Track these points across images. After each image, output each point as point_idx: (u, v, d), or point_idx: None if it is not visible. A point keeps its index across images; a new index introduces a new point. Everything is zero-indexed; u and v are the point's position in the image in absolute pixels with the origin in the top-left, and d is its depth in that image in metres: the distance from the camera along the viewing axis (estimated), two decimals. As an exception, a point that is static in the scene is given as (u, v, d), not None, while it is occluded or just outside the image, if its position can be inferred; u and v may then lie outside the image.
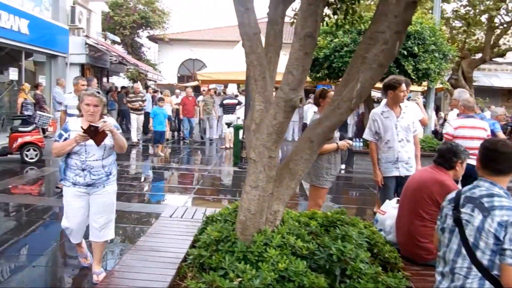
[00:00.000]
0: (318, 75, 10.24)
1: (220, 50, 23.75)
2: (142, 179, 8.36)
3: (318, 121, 3.02)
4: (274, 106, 2.57)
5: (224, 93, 15.64)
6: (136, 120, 12.57)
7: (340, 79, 10.15)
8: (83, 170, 3.45)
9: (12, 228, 5.14)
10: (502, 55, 17.83)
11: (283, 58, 3.08)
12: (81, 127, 3.31)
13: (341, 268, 2.81)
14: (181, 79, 26.90)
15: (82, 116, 3.52)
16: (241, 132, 9.89)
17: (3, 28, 11.18)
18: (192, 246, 3.56)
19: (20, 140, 8.97)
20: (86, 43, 14.93)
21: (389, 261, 3.20)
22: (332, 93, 4.59)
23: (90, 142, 3.40)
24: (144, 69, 19.26)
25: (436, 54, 9.36)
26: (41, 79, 13.77)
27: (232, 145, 13.09)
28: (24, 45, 12.48)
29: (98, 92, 3.50)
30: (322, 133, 2.95)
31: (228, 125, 12.66)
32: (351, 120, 15.44)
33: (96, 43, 15.24)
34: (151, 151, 11.53)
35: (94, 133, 3.31)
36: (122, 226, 5.34)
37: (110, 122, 3.48)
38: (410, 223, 3.32)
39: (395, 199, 3.85)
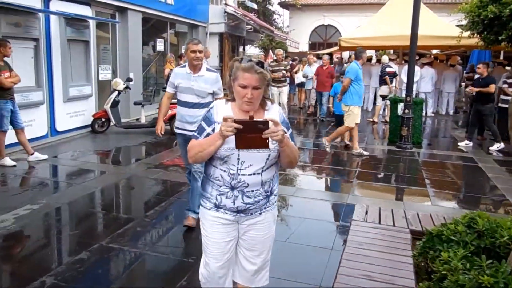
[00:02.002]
0: (500, 37, 8.29)
1: (354, 14, 22.02)
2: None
3: None
4: None
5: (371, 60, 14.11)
6: (277, 95, 10.54)
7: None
8: (232, 188, 2.16)
9: (168, 204, 4.89)
10: None
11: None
12: (250, 116, 1.95)
13: None
14: (312, 46, 25.82)
15: (233, 100, 2.20)
16: (400, 106, 8.57)
17: (151, -1, 11.31)
18: (416, 274, 2.65)
19: (169, 112, 8.92)
20: (225, 12, 14.68)
21: None
22: None
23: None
24: (282, 36, 18.51)
25: None
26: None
27: (375, 119, 11.65)
28: (169, 16, 12.60)
29: (260, 64, 2.06)
30: None
31: (384, 97, 11.09)
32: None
33: (235, 11, 14.92)
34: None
35: (249, 132, 1.92)
36: (291, 216, 4.68)
37: (278, 114, 2.20)
38: None
39: None
